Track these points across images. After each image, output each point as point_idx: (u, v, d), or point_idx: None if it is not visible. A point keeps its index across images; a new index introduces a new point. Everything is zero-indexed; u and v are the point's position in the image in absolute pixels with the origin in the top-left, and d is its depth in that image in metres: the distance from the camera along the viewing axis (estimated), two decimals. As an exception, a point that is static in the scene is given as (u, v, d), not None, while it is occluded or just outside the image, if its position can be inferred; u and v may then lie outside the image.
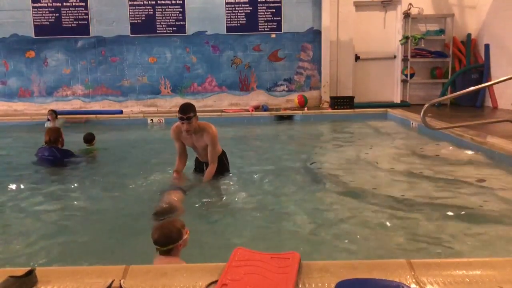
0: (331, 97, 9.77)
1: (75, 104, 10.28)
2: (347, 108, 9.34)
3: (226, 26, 10.14)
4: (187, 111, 3.92)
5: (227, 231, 3.26)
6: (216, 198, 4.01)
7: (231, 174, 4.54)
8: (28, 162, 5.23)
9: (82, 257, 2.80)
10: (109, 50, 10.20)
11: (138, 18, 10.10)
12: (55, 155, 5.06)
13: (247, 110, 9.67)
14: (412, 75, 10.02)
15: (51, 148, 5.06)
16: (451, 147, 5.72)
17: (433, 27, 10.04)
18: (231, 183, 4.39)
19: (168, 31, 10.15)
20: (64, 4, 10.01)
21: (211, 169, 4.24)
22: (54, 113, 7.87)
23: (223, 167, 4.42)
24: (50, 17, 10.05)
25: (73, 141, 5.88)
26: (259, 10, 10.11)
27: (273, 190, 4.21)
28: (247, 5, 10.09)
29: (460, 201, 3.73)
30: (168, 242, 2.37)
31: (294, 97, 10.13)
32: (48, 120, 7.78)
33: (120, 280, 1.80)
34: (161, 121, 8.89)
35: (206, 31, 10.17)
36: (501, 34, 8.93)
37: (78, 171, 5.07)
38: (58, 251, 2.94)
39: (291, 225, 3.30)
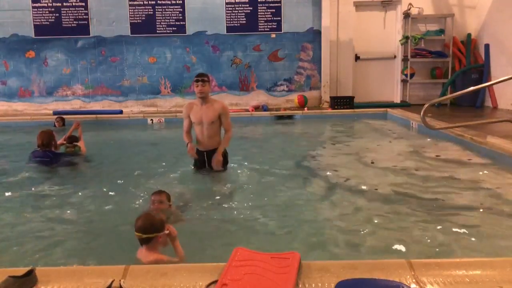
0: (331, 97, 9.77)
1: (75, 104, 10.28)
2: (347, 108, 9.34)
3: (226, 26, 10.15)
4: (203, 74, 4.47)
5: (227, 231, 3.26)
6: (216, 198, 4.01)
7: (232, 168, 4.69)
8: (25, 164, 5.22)
9: (82, 257, 2.80)
10: (109, 50, 10.20)
11: (138, 18, 10.10)
12: (49, 157, 5.04)
13: (247, 110, 9.67)
14: (412, 75, 10.02)
15: (45, 152, 5.04)
16: (451, 147, 5.72)
17: (433, 27, 10.03)
18: (230, 183, 4.39)
19: (168, 31, 10.16)
20: (64, 4, 10.02)
21: (228, 136, 4.57)
22: (62, 121, 7.83)
23: (225, 160, 4.63)
24: (50, 17, 10.05)
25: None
26: (259, 10, 10.11)
27: (273, 190, 4.21)
28: (247, 5, 10.09)
29: (460, 201, 3.73)
30: (149, 229, 2.43)
31: (294, 97, 10.13)
32: (54, 125, 7.74)
33: (120, 280, 1.80)
34: (161, 121, 8.89)
35: (206, 31, 10.18)
36: (501, 34, 8.93)
37: (75, 172, 5.05)
38: (58, 251, 2.94)
39: (291, 225, 3.30)
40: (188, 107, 4.58)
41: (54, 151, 5.15)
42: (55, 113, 9.09)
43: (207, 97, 4.48)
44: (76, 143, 5.58)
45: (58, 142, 5.51)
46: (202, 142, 4.56)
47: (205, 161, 4.59)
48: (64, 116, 8.57)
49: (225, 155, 4.61)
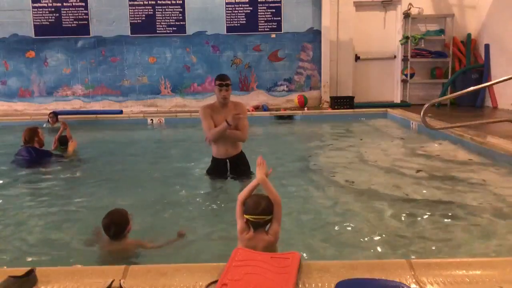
0: (331, 97, 9.77)
1: (75, 104, 10.28)
2: (347, 108, 9.34)
3: (226, 26, 10.15)
4: (226, 78, 4.13)
5: (227, 231, 3.26)
6: (216, 199, 4.01)
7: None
8: (13, 163, 5.23)
9: (82, 257, 2.80)
10: (109, 50, 10.20)
11: (138, 18, 10.10)
12: (30, 155, 5.05)
13: (247, 110, 9.65)
14: (412, 75, 10.02)
15: (27, 148, 5.07)
16: (451, 147, 5.72)
17: (433, 27, 10.03)
18: (230, 183, 4.39)
19: (168, 31, 10.16)
20: (64, 4, 10.01)
21: (240, 131, 4.12)
22: (55, 116, 7.83)
23: (247, 163, 4.35)
24: (50, 17, 10.05)
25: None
26: (259, 10, 10.11)
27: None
28: (247, 5, 10.09)
29: (460, 201, 3.73)
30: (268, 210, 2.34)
31: (294, 97, 10.13)
32: (48, 121, 7.73)
33: (120, 280, 1.80)
34: (161, 121, 8.89)
35: (206, 31, 10.17)
36: (501, 34, 8.93)
37: (71, 172, 5.05)
38: (58, 251, 2.94)
39: (291, 225, 3.29)
40: (208, 108, 4.19)
41: (37, 149, 5.13)
42: (55, 112, 9.05)
43: (228, 101, 4.16)
44: (64, 146, 5.60)
45: (53, 147, 5.53)
46: (225, 148, 4.21)
47: (227, 170, 4.26)
48: (64, 116, 8.56)
49: (246, 162, 4.33)
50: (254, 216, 2.30)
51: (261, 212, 2.31)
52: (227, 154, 4.24)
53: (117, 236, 2.71)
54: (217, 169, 4.30)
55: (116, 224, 2.70)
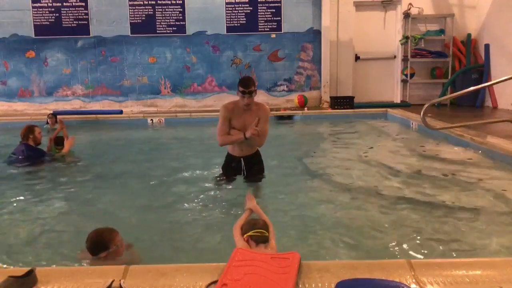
0: (331, 97, 9.77)
1: (75, 104, 10.28)
2: (347, 108, 9.34)
3: (226, 26, 10.15)
4: (250, 85, 3.84)
5: (227, 231, 3.26)
6: (216, 199, 4.01)
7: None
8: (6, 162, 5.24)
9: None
10: (109, 50, 10.20)
11: (138, 18, 10.10)
12: (22, 154, 5.07)
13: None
14: (412, 75, 10.02)
15: (21, 146, 5.10)
16: (451, 147, 5.72)
17: (433, 27, 10.04)
18: (234, 183, 4.38)
19: (168, 31, 10.16)
20: (64, 4, 10.02)
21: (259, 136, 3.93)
22: (54, 117, 7.83)
23: (261, 162, 4.31)
24: (50, 17, 10.05)
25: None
26: (259, 10, 10.11)
27: (272, 190, 4.20)
28: (247, 5, 10.09)
29: (460, 201, 3.73)
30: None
31: (294, 97, 10.13)
32: (47, 123, 7.71)
33: (120, 280, 1.80)
34: (161, 121, 8.89)
35: (206, 31, 10.18)
36: (501, 34, 8.93)
37: (62, 171, 5.06)
38: (58, 251, 2.93)
39: (291, 225, 3.29)
40: (229, 109, 3.98)
41: (31, 147, 5.13)
42: (54, 113, 9.06)
43: (252, 106, 3.96)
44: (60, 146, 5.58)
45: (47, 148, 5.52)
46: (240, 148, 4.11)
47: (241, 168, 4.17)
48: (64, 116, 8.55)
49: (261, 161, 4.26)
50: (256, 230, 2.39)
51: (261, 227, 2.43)
52: (242, 153, 4.16)
53: (92, 252, 2.51)
54: (231, 166, 4.22)
55: (90, 240, 2.53)
